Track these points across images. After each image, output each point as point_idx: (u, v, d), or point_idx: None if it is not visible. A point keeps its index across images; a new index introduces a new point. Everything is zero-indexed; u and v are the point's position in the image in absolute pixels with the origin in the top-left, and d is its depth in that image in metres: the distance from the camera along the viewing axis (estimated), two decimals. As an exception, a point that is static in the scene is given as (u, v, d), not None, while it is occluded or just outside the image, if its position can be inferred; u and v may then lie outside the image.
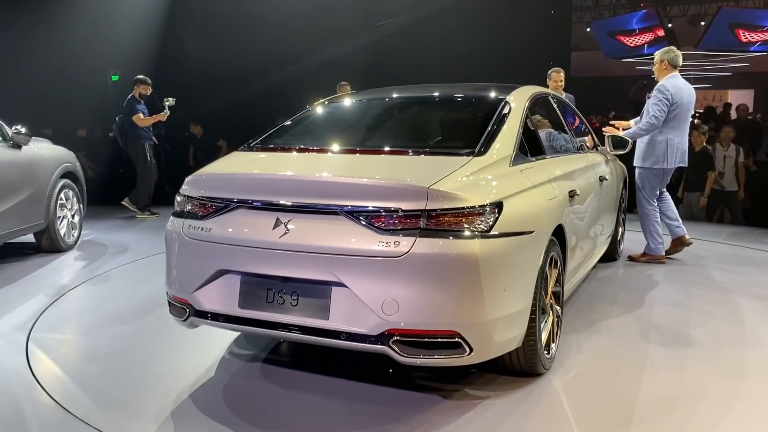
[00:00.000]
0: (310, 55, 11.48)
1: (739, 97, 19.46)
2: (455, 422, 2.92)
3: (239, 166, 3.39)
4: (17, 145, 5.71)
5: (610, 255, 5.85)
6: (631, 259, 5.96)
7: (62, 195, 6.33)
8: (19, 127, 5.74)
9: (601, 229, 4.87)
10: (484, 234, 2.79)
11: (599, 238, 4.83)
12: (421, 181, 2.80)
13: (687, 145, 5.73)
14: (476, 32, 12.81)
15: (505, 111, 3.57)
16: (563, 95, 6.35)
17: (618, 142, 5.20)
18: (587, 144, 5.06)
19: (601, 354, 3.76)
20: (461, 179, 2.90)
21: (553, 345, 3.48)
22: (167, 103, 8.60)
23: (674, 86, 5.53)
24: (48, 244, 6.26)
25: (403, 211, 2.74)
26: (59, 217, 6.29)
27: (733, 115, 13.38)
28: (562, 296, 3.68)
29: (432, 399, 3.15)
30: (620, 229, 6.01)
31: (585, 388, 3.32)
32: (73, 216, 6.57)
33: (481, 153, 3.18)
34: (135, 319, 4.42)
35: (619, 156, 5.51)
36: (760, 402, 3.16)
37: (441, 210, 2.74)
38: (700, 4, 22.69)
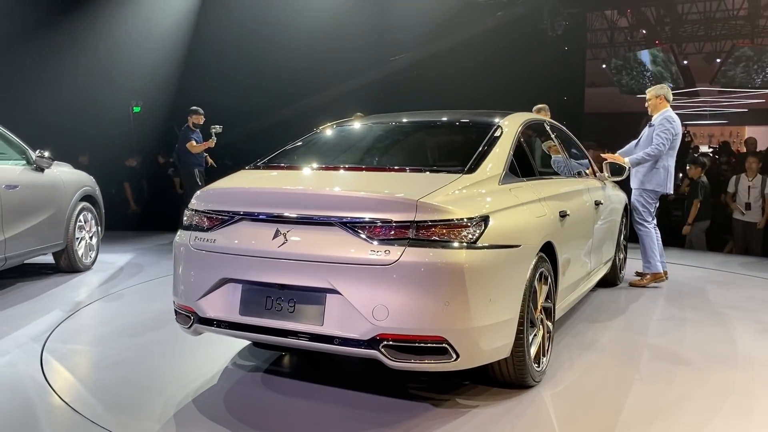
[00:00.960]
0: (326, 87, 11.83)
1: (756, 134, 19.51)
2: (443, 427, 3.05)
3: (243, 182, 3.60)
4: (40, 168, 5.99)
5: (611, 280, 5.96)
6: (632, 285, 6.06)
7: (81, 217, 6.58)
8: (42, 151, 6.02)
9: (598, 252, 5.00)
10: (471, 245, 2.95)
11: (595, 261, 4.95)
12: (412, 194, 2.98)
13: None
14: (489, 68, 13.08)
15: (497, 134, 3.76)
16: None
17: (616, 169, 5.36)
18: (585, 171, 5.21)
19: (592, 369, 3.87)
20: (450, 194, 3.08)
21: (543, 359, 3.60)
22: (214, 131, 9.07)
23: (675, 119, 5.95)
24: (66, 265, 6.50)
25: (393, 222, 2.92)
26: (78, 239, 6.53)
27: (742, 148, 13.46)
28: (554, 313, 3.81)
29: (423, 407, 3.28)
30: (621, 255, 6.12)
31: (572, 400, 3.44)
32: (91, 238, 6.82)
33: (470, 171, 3.37)
34: (145, 332, 4.61)
35: (619, 183, 5.67)
36: (743, 415, 3.25)
37: (429, 221, 2.92)
38: (716, 41, 22.94)
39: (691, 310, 5.28)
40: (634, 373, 3.82)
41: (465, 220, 2.97)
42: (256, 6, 11.96)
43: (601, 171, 5.43)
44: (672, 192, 6.17)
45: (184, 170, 9.34)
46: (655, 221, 6.13)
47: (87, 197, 6.76)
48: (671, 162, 5.98)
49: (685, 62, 22.92)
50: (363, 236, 2.95)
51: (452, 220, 2.94)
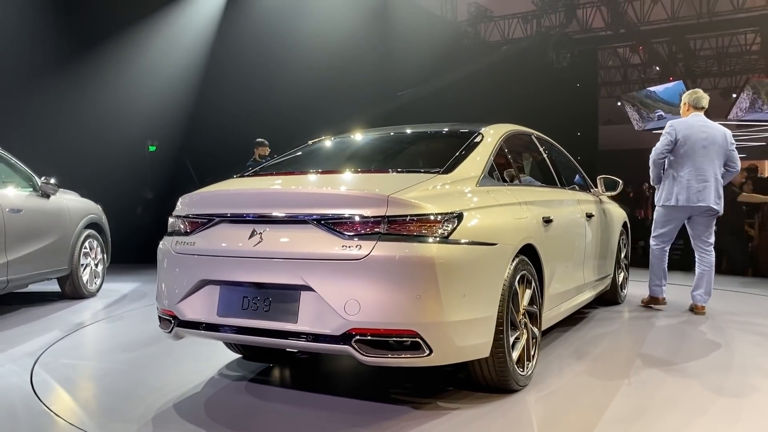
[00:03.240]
0: (333, 123, 11.98)
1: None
2: (419, 427, 3.01)
3: (224, 186, 3.65)
4: (46, 195, 6.14)
5: (612, 299, 5.89)
6: (643, 303, 5.95)
7: (86, 244, 6.70)
8: (47, 178, 6.17)
9: (592, 266, 4.96)
10: (443, 240, 2.96)
11: (590, 274, 4.90)
12: (384, 190, 3.02)
13: (713, 184, 5.39)
14: (499, 103, 13.22)
15: (477, 140, 3.81)
16: None
17: (610, 184, 5.35)
18: (577, 186, 5.22)
19: (580, 376, 3.81)
20: (423, 191, 3.11)
21: (528, 363, 3.55)
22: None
23: (682, 123, 5.51)
24: (71, 291, 6.58)
25: (364, 217, 2.95)
26: (83, 265, 6.63)
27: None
28: (540, 319, 3.77)
29: (403, 410, 3.24)
30: (622, 274, 6.05)
31: (556, 402, 3.38)
32: (96, 265, 6.92)
33: (447, 171, 3.41)
34: (138, 349, 4.64)
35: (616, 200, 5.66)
36: (730, 417, 3.17)
37: (400, 216, 2.94)
38: (731, 76, 22.95)
39: (690, 324, 5.19)
40: (623, 379, 3.75)
41: (437, 215, 2.99)
42: (264, 46, 12.27)
43: (596, 186, 5.43)
44: (683, 204, 5.42)
45: None
46: (658, 241, 5.72)
47: (93, 225, 6.88)
48: (684, 172, 5.41)
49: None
50: (336, 232, 2.98)
51: (423, 215, 2.96)
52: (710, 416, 3.14)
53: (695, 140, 5.39)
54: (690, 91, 5.78)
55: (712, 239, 5.63)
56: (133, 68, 12.18)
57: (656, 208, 5.78)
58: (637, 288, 6.72)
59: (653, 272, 5.83)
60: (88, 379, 4.03)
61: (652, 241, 5.86)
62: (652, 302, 5.84)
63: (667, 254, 5.85)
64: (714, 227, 5.67)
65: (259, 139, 9.45)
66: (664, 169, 5.63)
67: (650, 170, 5.64)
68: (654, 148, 5.56)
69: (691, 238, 5.73)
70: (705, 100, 5.60)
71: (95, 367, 4.25)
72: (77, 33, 11.44)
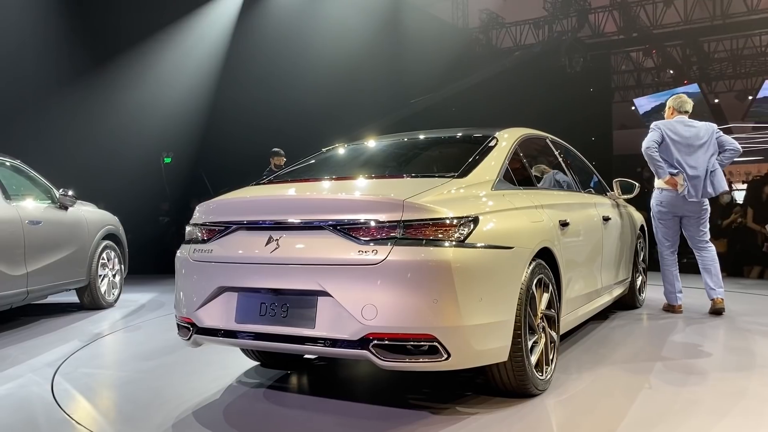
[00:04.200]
0: (347, 132, 12.03)
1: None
2: None
3: (241, 194, 3.67)
4: (64, 207, 6.20)
5: (630, 303, 5.85)
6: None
7: (104, 255, 6.76)
8: (65, 190, 6.25)
9: (610, 269, 4.93)
10: (459, 243, 2.96)
11: (608, 278, 4.87)
12: (399, 195, 3.02)
13: (700, 180, 5.42)
14: (513, 109, 13.20)
15: (492, 144, 3.80)
16: None
17: (626, 187, 5.32)
18: (592, 188, 5.20)
19: (600, 379, 3.78)
20: (438, 195, 3.11)
21: (547, 368, 3.53)
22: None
23: (665, 123, 5.62)
24: (89, 301, 6.64)
25: (380, 222, 2.95)
26: (101, 276, 6.69)
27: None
28: (558, 323, 3.75)
29: (421, 415, 3.23)
30: (640, 278, 6.00)
31: (575, 406, 3.35)
32: (114, 276, 6.98)
33: (462, 176, 3.40)
34: (156, 357, 4.66)
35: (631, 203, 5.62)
36: (753, 418, 3.13)
37: (416, 221, 2.94)
38: (746, 78, 22.74)
39: (712, 328, 5.14)
40: (643, 382, 3.71)
41: (452, 219, 2.98)
42: (277, 57, 12.36)
43: (611, 189, 5.41)
44: (673, 203, 5.51)
45: None
46: (662, 246, 5.73)
47: (110, 236, 6.94)
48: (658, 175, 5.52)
49: (716, 101, 22.76)
50: (352, 238, 2.98)
51: (439, 219, 2.96)
52: (733, 418, 3.10)
53: (678, 139, 5.50)
54: (674, 96, 5.88)
55: (707, 236, 5.70)
56: (148, 80, 12.32)
57: (651, 213, 5.82)
58: (655, 292, 6.65)
59: (664, 278, 5.82)
60: (108, 387, 4.06)
61: (659, 247, 5.86)
62: (669, 309, 5.79)
63: (676, 258, 5.83)
64: (708, 224, 5.71)
65: (275, 149, 9.50)
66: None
67: (650, 165, 5.60)
68: (643, 145, 5.55)
69: (687, 240, 5.78)
70: (689, 104, 5.72)
71: (114, 376, 4.29)
72: (93, 46, 11.58)
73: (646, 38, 18.07)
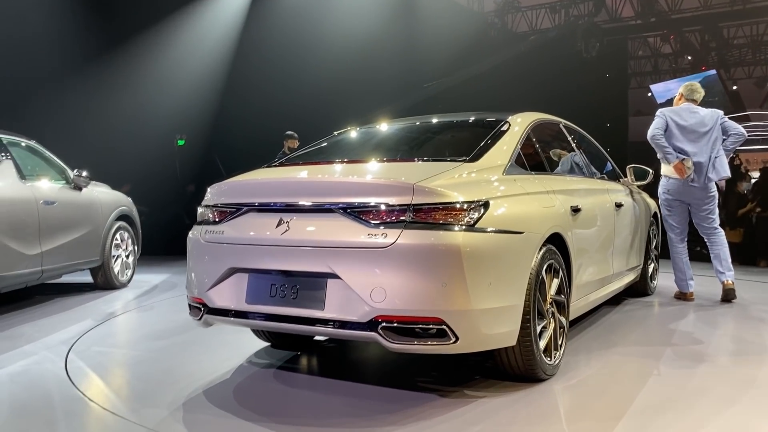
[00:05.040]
0: (360, 116, 12.00)
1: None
2: (444, 415, 3.01)
3: (252, 176, 3.68)
4: (78, 187, 6.26)
5: (642, 290, 5.83)
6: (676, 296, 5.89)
7: (117, 236, 6.81)
8: (80, 170, 6.29)
9: (622, 256, 4.90)
10: (469, 228, 2.96)
11: (619, 264, 4.85)
12: (409, 179, 3.02)
13: (704, 166, 5.42)
14: (528, 94, 13.10)
15: (504, 128, 3.79)
16: None
17: (639, 173, 5.29)
18: (605, 174, 5.16)
19: (609, 365, 3.78)
20: (449, 179, 3.11)
21: (555, 353, 3.53)
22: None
23: (671, 110, 5.64)
24: (103, 281, 6.71)
25: (390, 205, 2.96)
26: (114, 256, 6.75)
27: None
28: (568, 308, 3.75)
29: (428, 397, 3.26)
30: (652, 265, 5.97)
31: (583, 392, 3.36)
32: (127, 256, 7.04)
33: (473, 160, 3.40)
34: (168, 337, 4.71)
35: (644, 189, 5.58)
36: (762, 407, 3.12)
37: (426, 204, 2.94)
38: (766, 65, 22.41)
39: (722, 316, 5.12)
40: (652, 369, 3.71)
41: (462, 203, 2.98)
42: (291, 39, 12.33)
43: (625, 176, 5.37)
44: (679, 188, 5.52)
45: None
46: (671, 232, 5.74)
47: (124, 217, 7.00)
48: (671, 160, 5.48)
49: (734, 87, 22.47)
50: (362, 221, 2.99)
51: (449, 203, 2.96)
52: (742, 406, 3.09)
53: (684, 125, 5.53)
54: (686, 83, 5.89)
55: (717, 222, 5.70)
56: (162, 63, 12.33)
57: (659, 200, 5.83)
58: (667, 279, 6.63)
59: (675, 265, 5.81)
60: (120, 365, 4.12)
61: (668, 235, 5.86)
62: (681, 297, 5.77)
63: (686, 246, 5.81)
64: (716, 211, 5.70)
65: (289, 132, 9.50)
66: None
67: (658, 152, 5.60)
68: (648, 133, 5.57)
69: (697, 228, 5.78)
70: (699, 93, 5.72)
71: (127, 355, 4.35)
72: (107, 30, 11.61)
73: (664, 23, 17.83)
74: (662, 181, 5.73)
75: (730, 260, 5.66)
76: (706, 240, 5.74)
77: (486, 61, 12.99)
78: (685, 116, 5.54)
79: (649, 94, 23.20)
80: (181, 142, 13.32)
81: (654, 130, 5.51)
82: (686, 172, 5.44)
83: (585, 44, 12.62)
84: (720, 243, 5.64)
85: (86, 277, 6.87)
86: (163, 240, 10.55)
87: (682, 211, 5.71)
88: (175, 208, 12.32)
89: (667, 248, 5.92)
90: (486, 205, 3.06)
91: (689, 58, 22.34)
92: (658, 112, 5.64)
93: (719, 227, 5.70)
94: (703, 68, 21.86)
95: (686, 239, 5.82)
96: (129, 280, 7.08)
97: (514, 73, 13.29)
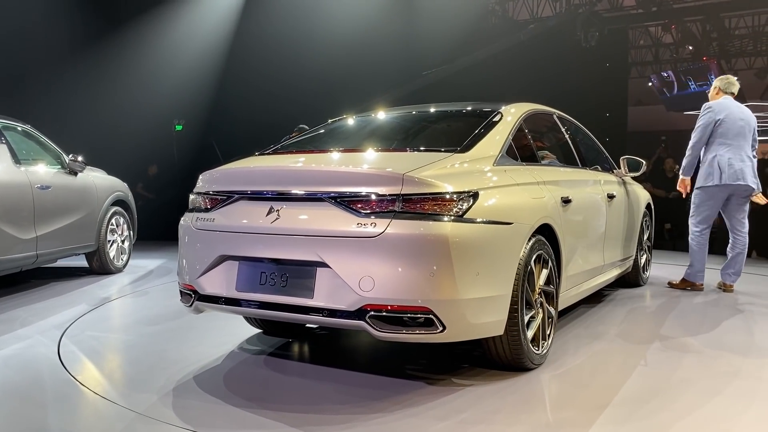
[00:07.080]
0: (360, 102, 11.98)
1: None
2: (431, 402, 3.05)
3: (244, 164, 3.70)
4: (73, 172, 6.27)
5: (634, 281, 5.86)
6: (670, 285, 5.92)
7: (113, 221, 6.83)
8: (75, 155, 6.29)
9: (613, 247, 4.93)
10: (457, 218, 2.98)
11: (610, 255, 4.88)
12: (399, 169, 3.04)
13: (749, 164, 5.48)
14: (527, 83, 13.04)
15: (496, 119, 3.80)
16: None
17: (633, 164, 5.30)
18: (599, 166, 5.17)
19: (596, 356, 3.82)
20: (438, 169, 3.12)
21: (543, 343, 3.56)
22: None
23: (718, 104, 5.57)
24: (98, 266, 6.74)
25: (380, 195, 2.98)
26: (109, 241, 6.77)
27: None
28: (557, 299, 3.78)
29: (417, 385, 3.29)
30: (645, 256, 6.00)
31: (570, 381, 3.40)
32: (122, 241, 7.07)
33: (464, 150, 3.41)
34: (162, 323, 4.75)
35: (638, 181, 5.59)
36: (745, 397, 3.15)
37: (415, 194, 2.96)
38: (766, 56, 22.32)
39: (712, 307, 5.15)
40: (639, 359, 3.74)
41: (452, 194, 3.00)
42: (289, 25, 12.28)
43: (618, 167, 5.39)
44: (726, 182, 5.42)
45: None
46: (700, 225, 5.66)
47: (119, 202, 7.01)
48: (723, 151, 5.45)
49: (735, 78, 22.35)
50: (351, 210, 3.01)
51: (438, 193, 2.98)
52: (724, 398, 3.13)
53: (734, 119, 5.50)
54: (722, 76, 5.85)
55: (747, 221, 5.70)
56: (160, 47, 12.30)
57: (695, 191, 5.75)
58: (660, 270, 6.67)
59: (696, 259, 5.74)
60: (113, 350, 4.15)
61: (693, 227, 5.75)
62: (689, 286, 5.79)
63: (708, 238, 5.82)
64: (748, 207, 5.71)
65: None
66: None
67: (686, 156, 5.64)
68: (694, 133, 5.58)
69: (726, 221, 5.78)
70: (735, 86, 5.69)
71: (120, 340, 4.38)
72: (104, 13, 11.58)
73: (665, 13, 17.74)
74: (704, 168, 5.57)
75: (743, 265, 5.72)
76: (730, 235, 5.73)
77: (485, 50, 12.92)
78: (736, 110, 5.52)
79: (650, 84, 23.12)
80: (179, 127, 13.31)
81: (702, 134, 5.52)
82: (683, 191, 5.66)
83: (584, 33, 12.56)
84: (744, 245, 5.68)
85: (81, 262, 6.90)
86: (159, 225, 10.57)
87: (720, 203, 5.62)
88: (173, 193, 12.35)
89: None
90: (475, 195, 3.07)
91: (690, 48, 22.24)
92: (705, 108, 5.56)
93: (747, 226, 5.71)
94: (704, 59, 21.77)
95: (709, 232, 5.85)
96: (124, 265, 7.11)
97: (514, 61, 13.23)
